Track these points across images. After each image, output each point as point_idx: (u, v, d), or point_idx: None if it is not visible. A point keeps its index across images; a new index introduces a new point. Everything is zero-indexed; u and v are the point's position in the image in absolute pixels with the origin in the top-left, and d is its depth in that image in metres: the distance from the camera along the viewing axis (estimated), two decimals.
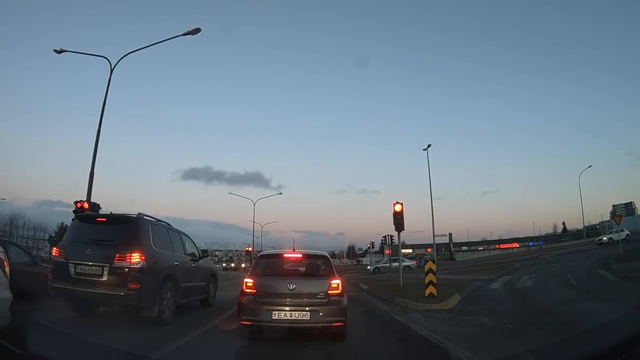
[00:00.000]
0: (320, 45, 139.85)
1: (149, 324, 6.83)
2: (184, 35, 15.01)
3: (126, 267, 6.67)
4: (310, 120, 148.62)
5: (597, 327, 6.32)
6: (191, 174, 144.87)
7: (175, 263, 8.02)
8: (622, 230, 39.02)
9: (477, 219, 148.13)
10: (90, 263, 6.75)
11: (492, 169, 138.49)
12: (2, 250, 4.89)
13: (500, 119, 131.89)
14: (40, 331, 5.39)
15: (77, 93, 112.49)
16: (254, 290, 5.84)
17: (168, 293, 7.37)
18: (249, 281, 5.95)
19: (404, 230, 14.36)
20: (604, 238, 39.21)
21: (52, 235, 54.06)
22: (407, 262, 38.85)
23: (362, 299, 13.38)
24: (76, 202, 12.93)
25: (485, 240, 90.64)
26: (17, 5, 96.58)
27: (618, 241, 35.96)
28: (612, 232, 40.35)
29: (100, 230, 7.47)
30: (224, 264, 58.49)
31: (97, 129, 14.21)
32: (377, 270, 36.45)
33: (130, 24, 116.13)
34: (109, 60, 14.89)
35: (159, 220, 8.47)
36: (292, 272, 6.45)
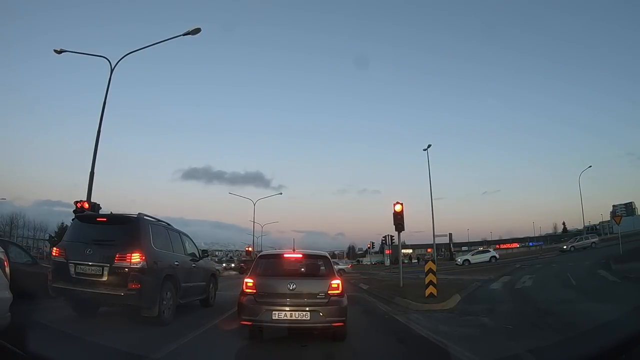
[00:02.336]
0: (320, 45, 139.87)
1: (149, 324, 6.84)
2: (184, 35, 15.04)
3: (126, 267, 6.67)
4: (311, 120, 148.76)
5: (597, 327, 6.31)
6: (191, 174, 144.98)
7: (176, 263, 8.02)
8: (487, 252, 39.18)
9: (477, 219, 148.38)
10: (90, 263, 6.76)
11: (492, 169, 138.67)
12: (2, 250, 4.89)
13: (501, 119, 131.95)
14: (40, 331, 5.38)
15: (77, 93, 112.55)
16: (254, 291, 5.84)
17: (168, 293, 7.37)
18: (249, 281, 5.95)
19: (404, 230, 14.37)
20: (459, 260, 38.49)
21: (52, 235, 54.12)
22: (342, 265, 37.19)
23: (362, 299, 13.37)
24: (76, 202, 12.94)
25: (485, 241, 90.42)
26: (17, 5, 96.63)
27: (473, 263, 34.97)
28: (468, 254, 40.14)
29: (101, 230, 7.48)
30: (224, 265, 58.35)
31: (97, 129, 14.25)
32: None
33: (130, 24, 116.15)
34: (109, 60, 14.93)
35: (159, 220, 8.47)
36: (292, 272, 6.44)
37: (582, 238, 41.08)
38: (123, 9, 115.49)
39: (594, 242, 38.43)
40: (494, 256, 37.89)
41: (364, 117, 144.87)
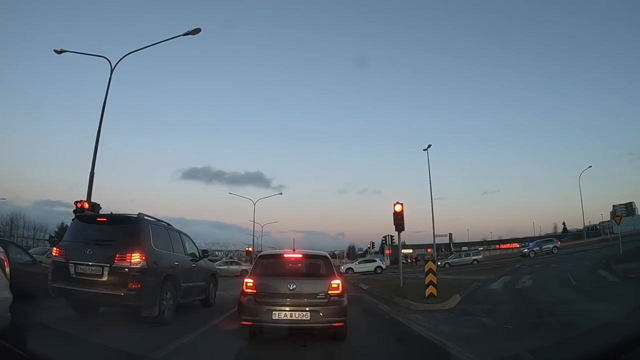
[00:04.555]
0: (321, 46, 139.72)
1: (149, 324, 6.84)
2: (184, 35, 15.07)
3: (126, 267, 6.68)
4: (311, 120, 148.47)
5: (597, 327, 6.31)
6: (191, 174, 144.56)
7: (176, 263, 8.02)
8: (373, 261, 38.70)
9: (477, 219, 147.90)
10: (90, 263, 6.76)
11: (492, 169, 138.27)
12: (2, 250, 4.89)
13: (501, 119, 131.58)
14: (40, 331, 5.38)
15: (77, 93, 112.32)
16: (254, 291, 5.85)
17: (168, 293, 7.37)
18: (249, 281, 5.96)
19: (404, 230, 14.33)
20: (342, 268, 37.81)
21: (52, 235, 54.13)
22: (245, 266, 33.77)
23: (362, 299, 13.38)
24: (76, 202, 12.95)
25: (485, 241, 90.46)
26: (18, 6, 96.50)
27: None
28: (354, 262, 39.91)
29: (101, 230, 7.48)
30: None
31: (97, 129, 14.28)
32: None
33: (130, 24, 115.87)
34: (109, 61, 14.96)
35: (159, 220, 8.47)
36: (292, 272, 6.44)
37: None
38: (123, 9, 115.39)
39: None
40: (379, 266, 37.04)
41: (364, 117, 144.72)
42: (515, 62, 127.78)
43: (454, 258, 39.34)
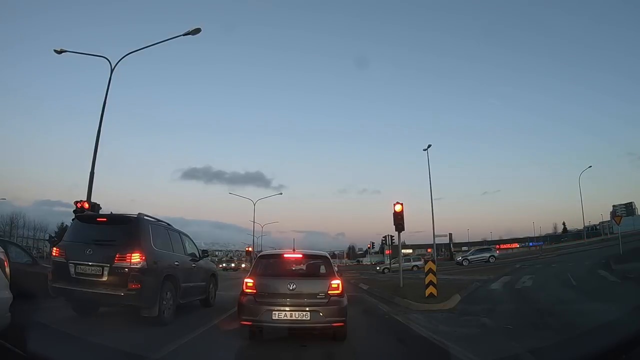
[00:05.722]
0: (320, 45, 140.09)
1: (149, 324, 6.84)
2: (184, 35, 15.05)
3: (126, 267, 6.67)
4: (311, 120, 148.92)
5: (597, 327, 6.31)
6: (191, 174, 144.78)
7: (176, 263, 8.02)
8: None
9: (477, 219, 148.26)
10: (90, 263, 6.75)
11: (492, 169, 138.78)
12: (2, 250, 4.88)
13: (501, 119, 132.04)
14: (40, 331, 5.38)
15: (77, 93, 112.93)
16: (254, 291, 5.85)
17: (168, 293, 7.37)
18: (249, 281, 5.96)
19: (404, 230, 14.31)
20: None
21: (52, 235, 54.16)
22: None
23: (362, 299, 13.38)
24: (76, 202, 12.93)
25: (485, 241, 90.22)
26: (18, 6, 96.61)
27: None
28: None
29: (101, 230, 7.48)
30: (224, 264, 58.73)
31: (97, 129, 14.26)
32: None
33: (130, 24, 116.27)
34: (109, 61, 14.94)
35: (159, 220, 8.47)
36: (292, 272, 6.44)
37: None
38: (123, 9, 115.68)
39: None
40: None
41: (364, 117, 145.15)
42: (515, 61, 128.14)
43: (394, 263, 38.89)
